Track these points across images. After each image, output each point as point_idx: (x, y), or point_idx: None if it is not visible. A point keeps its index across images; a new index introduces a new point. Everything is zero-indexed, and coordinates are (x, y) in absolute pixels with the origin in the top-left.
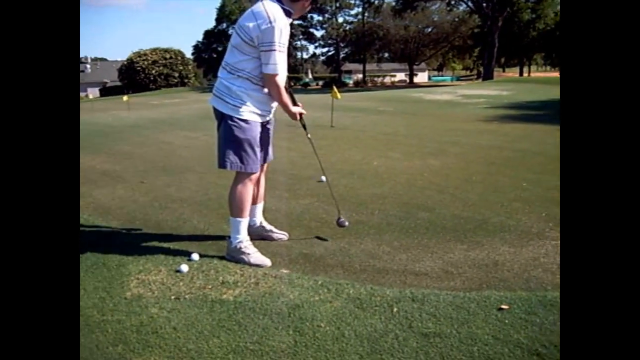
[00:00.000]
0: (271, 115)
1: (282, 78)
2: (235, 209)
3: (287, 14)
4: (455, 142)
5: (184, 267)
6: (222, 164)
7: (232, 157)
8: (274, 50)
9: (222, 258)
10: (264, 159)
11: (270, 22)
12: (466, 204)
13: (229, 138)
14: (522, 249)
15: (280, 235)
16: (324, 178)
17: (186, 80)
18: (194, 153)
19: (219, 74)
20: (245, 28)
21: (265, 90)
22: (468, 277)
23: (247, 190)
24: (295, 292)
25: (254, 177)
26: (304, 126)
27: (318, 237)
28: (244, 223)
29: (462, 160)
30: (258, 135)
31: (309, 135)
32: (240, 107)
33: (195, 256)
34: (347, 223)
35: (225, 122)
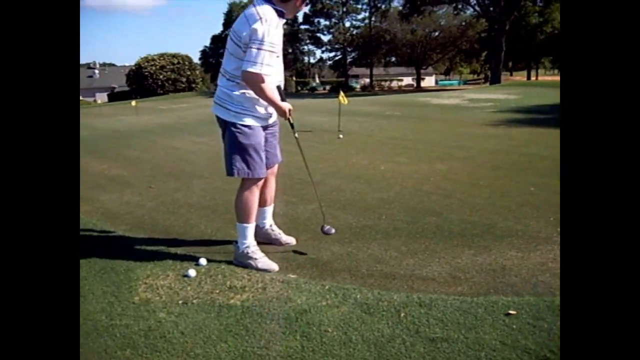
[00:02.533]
0: (274, 119)
1: (275, 80)
2: (241, 214)
3: (280, 14)
4: (462, 147)
5: (192, 272)
6: (229, 172)
7: (238, 163)
8: (262, 49)
9: (229, 263)
10: (272, 162)
11: (261, 21)
12: (473, 208)
13: (234, 145)
14: (530, 254)
15: (288, 240)
16: (341, 135)
17: (194, 85)
18: (201, 158)
19: (218, 81)
20: (239, 33)
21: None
22: (475, 282)
23: (254, 195)
24: (302, 297)
25: (260, 182)
26: (292, 125)
27: (295, 251)
28: (250, 228)
29: (469, 165)
30: (262, 140)
31: (296, 135)
32: (242, 114)
33: (202, 261)
34: (333, 231)
35: (229, 129)
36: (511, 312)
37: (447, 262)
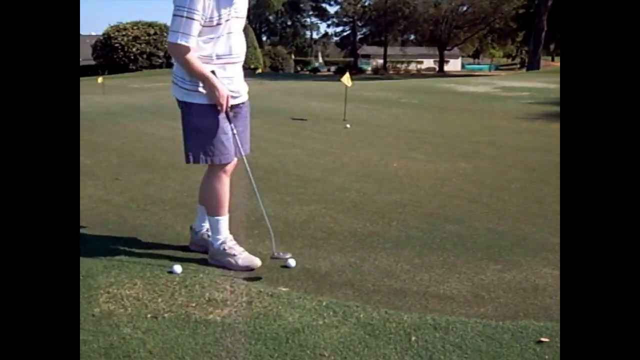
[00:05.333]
0: (241, 99)
1: (213, 53)
2: (211, 207)
3: None
4: (491, 143)
5: (178, 268)
6: (186, 159)
7: (194, 148)
8: (180, 15)
9: (209, 272)
10: (239, 152)
11: None
12: (502, 216)
13: (189, 127)
14: None
15: None
16: (348, 125)
17: (172, 61)
18: (179, 147)
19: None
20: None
21: (227, 69)
22: (502, 303)
23: (222, 184)
24: (295, 314)
25: (228, 168)
26: (228, 118)
27: (248, 279)
28: (223, 221)
29: (498, 165)
30: (222, 122)
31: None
32: (195, 91)
33: (177, 268)
34: (292, 264)
35: (182, 109)
36: (543, 339)
37: (468, 278)
